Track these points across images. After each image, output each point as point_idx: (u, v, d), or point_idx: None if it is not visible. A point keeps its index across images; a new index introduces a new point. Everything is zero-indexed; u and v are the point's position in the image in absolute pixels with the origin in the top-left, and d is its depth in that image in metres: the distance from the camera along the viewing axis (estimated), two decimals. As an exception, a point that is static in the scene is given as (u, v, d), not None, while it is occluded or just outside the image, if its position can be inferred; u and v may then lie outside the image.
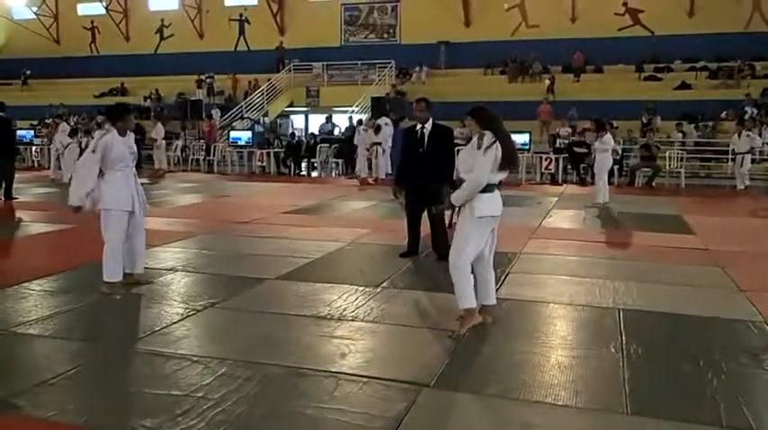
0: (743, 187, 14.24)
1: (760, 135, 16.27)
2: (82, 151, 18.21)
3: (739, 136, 14.41)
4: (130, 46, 30.58)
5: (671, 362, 3.99)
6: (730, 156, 15.75)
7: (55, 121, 20.87)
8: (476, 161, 4.25)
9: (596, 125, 12.16)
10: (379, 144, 15.67)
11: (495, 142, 4.23)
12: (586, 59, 23.63)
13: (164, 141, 18.70)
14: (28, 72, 30.21)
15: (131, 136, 5.57)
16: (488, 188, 4.30)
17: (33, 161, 20.71)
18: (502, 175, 4.36)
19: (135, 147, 5.58)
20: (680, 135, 18.42)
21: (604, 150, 11.49)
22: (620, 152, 16.22)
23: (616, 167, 15.69)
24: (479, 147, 4.26)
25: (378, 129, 15.64)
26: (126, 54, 29.97)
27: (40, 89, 29.66)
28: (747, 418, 3.22)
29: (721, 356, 4.03)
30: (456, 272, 4.36)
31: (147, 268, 6.10)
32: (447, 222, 4.58)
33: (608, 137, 11.58)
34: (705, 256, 7.07)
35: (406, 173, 6.76)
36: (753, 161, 15.32)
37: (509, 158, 4.27)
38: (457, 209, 4.50)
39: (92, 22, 31.41)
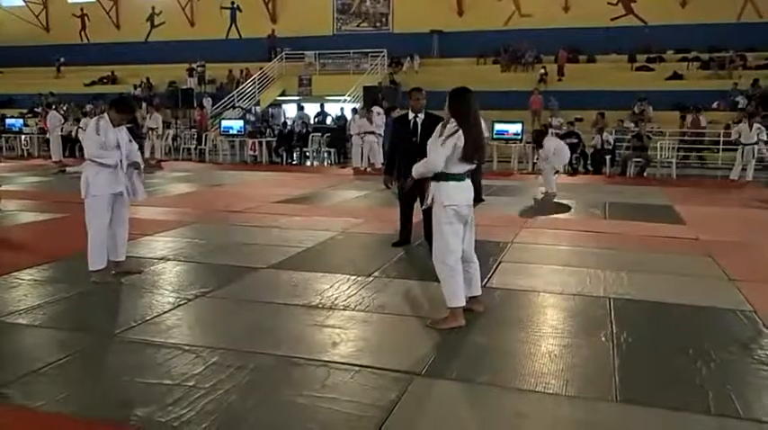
0: (750, 178, 14.01)
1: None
2: (70, 138, 18.17)
3: (750, 127, 14.00)
4: (121, 34, 30.38)
5: (661, 350, 4.02)
6: (722, 147, 15.74)
7: (45, 110, 20.73)
8: (434, 146, 4.19)
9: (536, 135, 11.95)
10: (373, 132, 15.65)
11: (457, 131, 4.14)
12: (577, 50, 23.61)
13: (162, 131, 18.68)
14: (62, 59, 29.77)
15: (123, 130, 5.54)
16: (456, 176, 4.24)
17: (23, 150, 20.55)
18: (468, 166, 4.26)
19: (125, 140, 5.56)
20: (631, 125, 18.29)
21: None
22: (612, 142, 16.30)
23: (608, 157, 15.76)
24: (440, 135, 4.19)
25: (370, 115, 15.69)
26: (116, 42, 29.79)
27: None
28: (736, 407, 3.24)
29: (711, 345, 4.06)
30: (444, 268, 4.30)
31: (138, 257, 6.14)
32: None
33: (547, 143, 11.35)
34: (695, 246, 7.10)
35: (399, 162, 6.73)
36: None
37: (474, 148, 4.17)
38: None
39: (81, 9, 31.17)
